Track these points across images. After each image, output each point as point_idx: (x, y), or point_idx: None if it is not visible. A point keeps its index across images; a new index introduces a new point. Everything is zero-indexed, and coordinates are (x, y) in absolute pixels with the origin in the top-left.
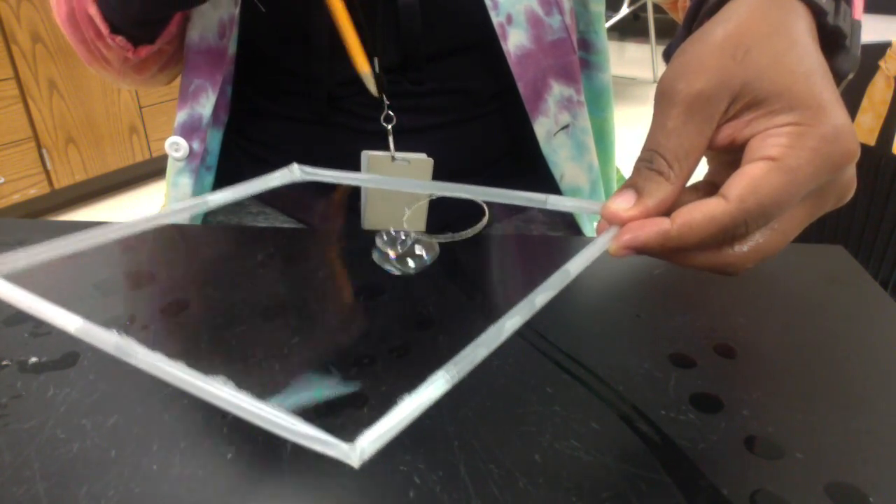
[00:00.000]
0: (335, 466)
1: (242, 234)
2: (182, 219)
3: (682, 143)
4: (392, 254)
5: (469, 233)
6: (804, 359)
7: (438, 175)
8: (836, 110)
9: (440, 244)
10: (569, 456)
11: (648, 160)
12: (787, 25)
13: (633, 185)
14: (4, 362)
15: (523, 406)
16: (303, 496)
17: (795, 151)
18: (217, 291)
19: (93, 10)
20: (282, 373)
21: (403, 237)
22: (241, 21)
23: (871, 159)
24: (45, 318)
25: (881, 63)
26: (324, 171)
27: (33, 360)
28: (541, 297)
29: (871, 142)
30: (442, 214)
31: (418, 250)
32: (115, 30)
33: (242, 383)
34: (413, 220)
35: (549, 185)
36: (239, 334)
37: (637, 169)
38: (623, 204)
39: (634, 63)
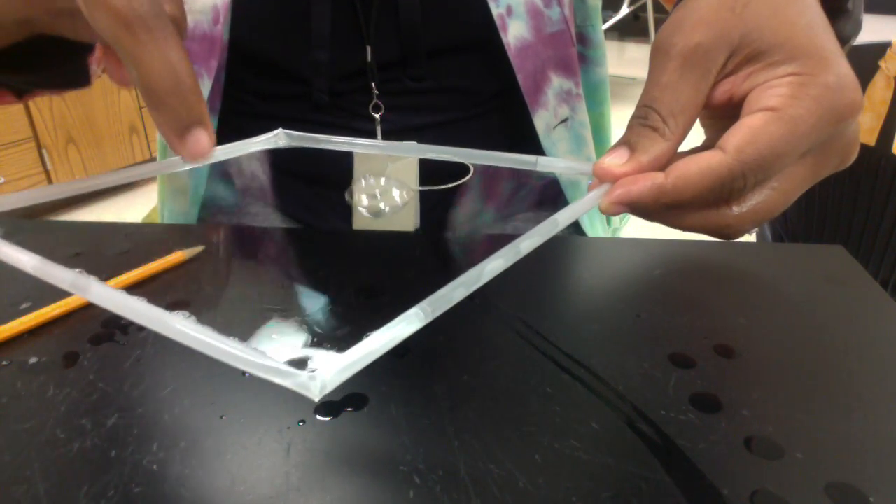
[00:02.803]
0: (336, 466)
1: (242, 234)
2: (180, 208)
3: (677, 97)
4: (365, 197)
5: (451, 185)
6: (804, 359)
7: (436, 173)
8: (838, 60)
9: (422, 192)
10: (569, 456)
11: (642, 116)
12: None
13: (626, 141)
14: (4, 362)
15: (523, 406)
16: (303, 496)
17: (796, 101)
18: (217, 291)
19: None
20: None
21: (383, 182)
22: (235, 11)
23: (871, 159)
24: (1, 258)
25: (881, 63)
26: (310, 135)
27: (33, 360)
28: (526, 243)
29: (871, 142)
30: (430, 178)
31: (394, 193)
32: None
33: (242, 383)
34: (403, 218)
35: (547, 177)
36: (239, 334)
37: (630, 126)
38: (616, 160)
39: (634, 63)
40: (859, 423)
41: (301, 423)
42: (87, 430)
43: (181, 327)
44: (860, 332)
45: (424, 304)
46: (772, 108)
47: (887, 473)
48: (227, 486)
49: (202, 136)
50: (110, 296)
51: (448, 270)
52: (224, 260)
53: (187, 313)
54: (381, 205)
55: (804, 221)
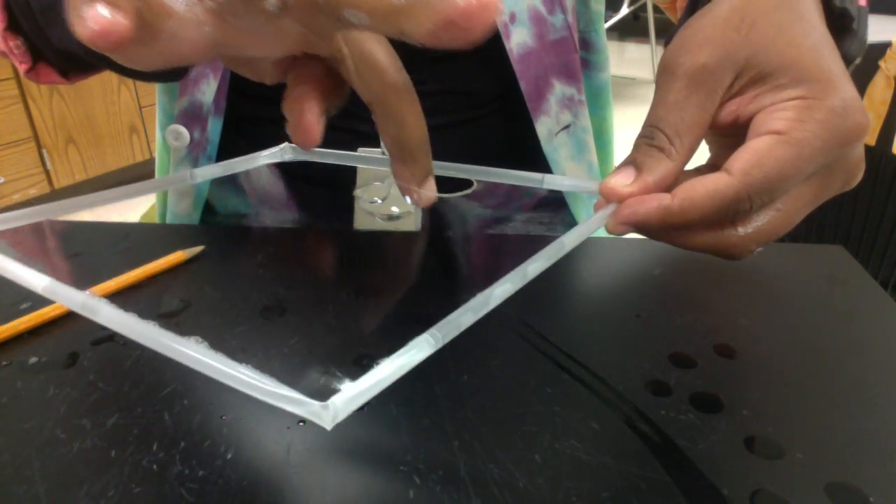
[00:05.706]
0: (336, 466)
1: (242, 234)
2: (183, 211)
3: (683, 117)
4: (373, 201)
5: (454, 195)
6: (804, 359)
7: (439, 177)
8: (844, 84)
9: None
10: (569, 456)
11: (649, 136)
12: (793, 1)
13: (632, 161)
14: (4, 362)
15: (523, 406)
16: (303, 496)
17: (802, 124)
18: (217, 291)
19: None
20: (282, 373)
21: (384, 191)
22: None
23: (871, 159)
24: (11, 278)
25: (881, 63)
26: (315, 149)
27: (33, 360)
28: (533, 266)
29: (871, 142)
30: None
31: (396, 202)
32: (14, 26)
33: None
34: (407, 220)
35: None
36: (239, 334)
37: (637, 145)
38: (622, 180)
39: (634, 63)
40: (859, 423)
41: (301, 424)
42: (87, 430)
43: (194, 354)
44: (860, 332)
45: (434, 329)
46: (778, 131)
47: (887, 473)
48: (227, 486)
49: (433, 183)
50: (120, 319)
51: (449, 270)
52: (224, 260)
53: (199, 338)
54: (394, 208)
55: (804, 221)
